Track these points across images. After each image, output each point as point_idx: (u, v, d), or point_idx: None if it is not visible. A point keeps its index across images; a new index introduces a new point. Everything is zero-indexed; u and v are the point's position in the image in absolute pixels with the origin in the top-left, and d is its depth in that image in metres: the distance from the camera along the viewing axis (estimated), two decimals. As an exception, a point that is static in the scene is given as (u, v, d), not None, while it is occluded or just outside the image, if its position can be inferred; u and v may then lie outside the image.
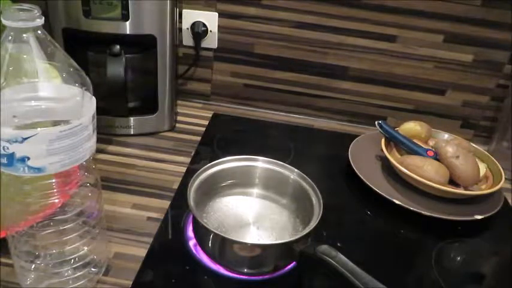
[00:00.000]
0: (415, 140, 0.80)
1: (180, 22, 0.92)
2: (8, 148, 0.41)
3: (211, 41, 0.94)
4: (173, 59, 0.82)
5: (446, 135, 0.86)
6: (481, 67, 0.91)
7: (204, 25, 0.92)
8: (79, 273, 0.52)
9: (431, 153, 0.76)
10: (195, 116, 0.95)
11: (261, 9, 0.90)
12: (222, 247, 0.56)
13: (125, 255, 0.58)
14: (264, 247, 0.56)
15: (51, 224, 0.49)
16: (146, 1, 0.74)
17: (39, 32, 0.41)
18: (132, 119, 0.83)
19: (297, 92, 0.98)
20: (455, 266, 0.65)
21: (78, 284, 0.52)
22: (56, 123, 0.42)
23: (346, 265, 0.50)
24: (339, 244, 0.62)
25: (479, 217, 0.70)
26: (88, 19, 0.73)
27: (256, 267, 0.57)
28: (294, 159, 0.81)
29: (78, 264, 0.52)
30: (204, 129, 0.90)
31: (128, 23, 0.74)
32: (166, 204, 0.68)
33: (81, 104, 0.45)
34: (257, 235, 0.61)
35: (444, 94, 0.95)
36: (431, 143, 0.82)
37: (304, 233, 0.55)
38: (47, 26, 0.59)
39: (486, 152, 0.82)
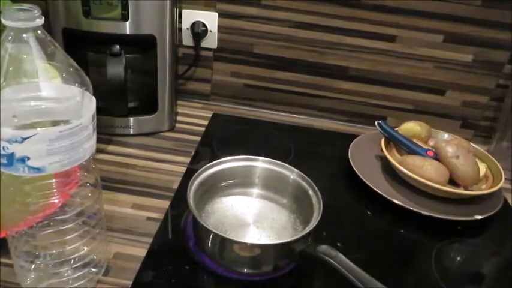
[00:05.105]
0: (415, 140, 0.80)
1: (180, 22, 0.92)
2: (8, 148, 0.41)
3: (211, 41, 0.94)
4: (173, 59, 0.82)
5: (446, 135, 0.86)
6: (481, 67, 0.91)
7: (204, 25, 0.92)
8: (79, 273, 0.52)
9: (431, 153, 0.76)
10: (195, 116, 0.95)
11: (261, 9, 0.90)
12: (222, 247, 0.56)
13: (125, 255, 0.58)
14: (264, 247, 0.56)
15: (51, 224, 0.49)
16: (146, 1, 0.74)
17: (39, 32, 0.41)
18: (132, 119, 0.83)
19: (297, 92, 0.98)
20: (455, 266, 0.65)
21: (78, 284, 0.52)
22: (55, 123, 0.42)
23: (346, 265, 0.50)
24: (339, 244, 0.62)
25: (479, 217, 0.70)
26: (88, 19, 0.73)
27: (256, 267, 0.56)
28: (294, 159, 0.81)
29: (78, 264, 0.51)
30: (204, 129, 0.90)
31: (127, 23, 0.74)
32: (166, 204, 0.68)
33: (81, 104, 0.45)
34: (257, 235, 0.61)
35: (444, 94, 0.95)
36: (431, 143, 0.82)
37: (304, 233, 0.55)
38: (47, 26, 0.59)
39: (486, 152, 0.82)
